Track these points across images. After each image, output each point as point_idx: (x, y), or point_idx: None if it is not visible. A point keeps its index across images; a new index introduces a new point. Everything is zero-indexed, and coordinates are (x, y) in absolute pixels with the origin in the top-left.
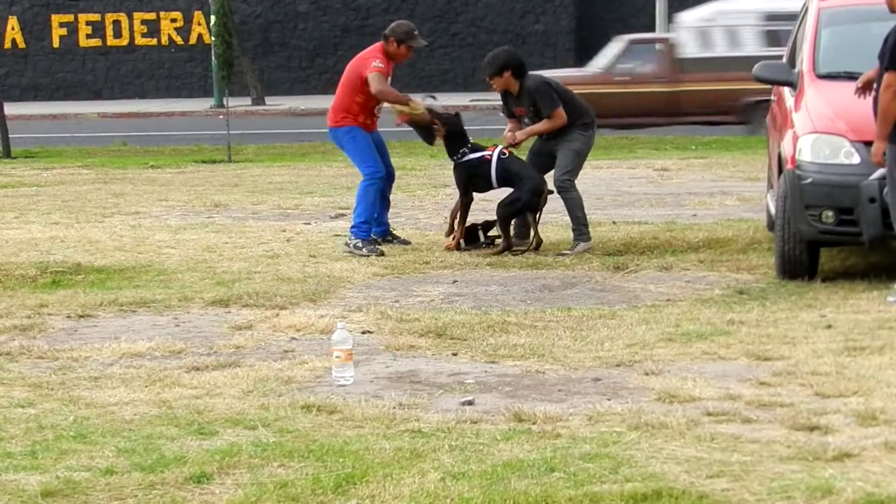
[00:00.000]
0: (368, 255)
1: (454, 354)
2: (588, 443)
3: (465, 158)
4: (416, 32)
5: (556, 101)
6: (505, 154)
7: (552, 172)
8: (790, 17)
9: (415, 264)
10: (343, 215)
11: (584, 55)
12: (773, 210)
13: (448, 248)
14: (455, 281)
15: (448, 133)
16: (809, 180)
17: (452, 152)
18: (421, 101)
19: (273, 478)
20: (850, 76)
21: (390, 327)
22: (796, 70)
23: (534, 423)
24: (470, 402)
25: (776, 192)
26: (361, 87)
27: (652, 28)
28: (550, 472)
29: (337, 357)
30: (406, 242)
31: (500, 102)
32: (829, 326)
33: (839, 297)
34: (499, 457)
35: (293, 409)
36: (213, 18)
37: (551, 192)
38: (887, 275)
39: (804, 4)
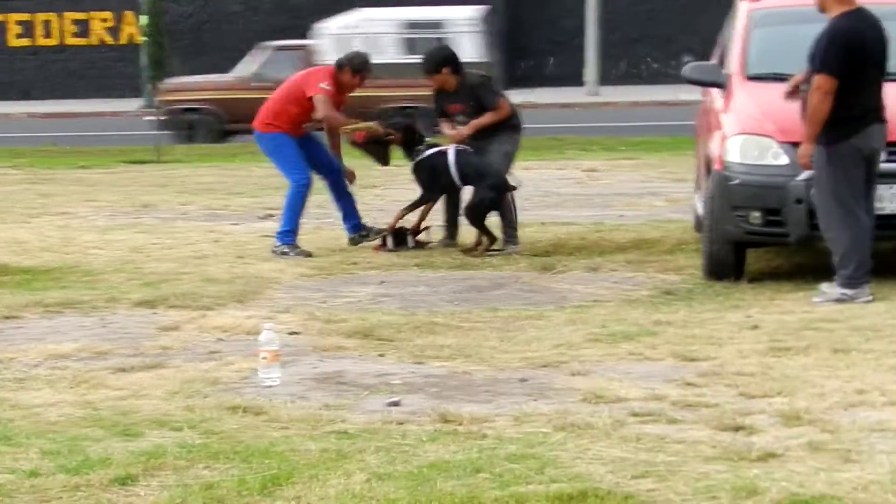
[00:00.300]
0: (295, 257)
1: (381, 355)
2: (514, 443)
3: (422, 156)
4: (370, 63)
5: (499, 93)
6: (462, 148)
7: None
8: (430, 25)
9: (343, 265)
10: (272, 216)
11: (514, 56)
12: (700, 211)
13: (376, 250)
14: (383, 282)
15: (404, 137)
16: (737, 181)
17: (409, 153)
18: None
19: (199, 479)
20: (780, 77)
21: (318, 328)
22: (726, 71)
23: (460, 424)
24: (396, 403)
25: (704, 193)
26: (300, 101)
27: (582, 30)
28: (476, 473)
29: (264, 358)
30: (380, 232)
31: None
32: (755, 327)
33: (765, 298)
34: (425, 458)
35: (219, 410)
36: (143, 18)
37: (514, 189)
38: (813, 275)
39: (733, 5)
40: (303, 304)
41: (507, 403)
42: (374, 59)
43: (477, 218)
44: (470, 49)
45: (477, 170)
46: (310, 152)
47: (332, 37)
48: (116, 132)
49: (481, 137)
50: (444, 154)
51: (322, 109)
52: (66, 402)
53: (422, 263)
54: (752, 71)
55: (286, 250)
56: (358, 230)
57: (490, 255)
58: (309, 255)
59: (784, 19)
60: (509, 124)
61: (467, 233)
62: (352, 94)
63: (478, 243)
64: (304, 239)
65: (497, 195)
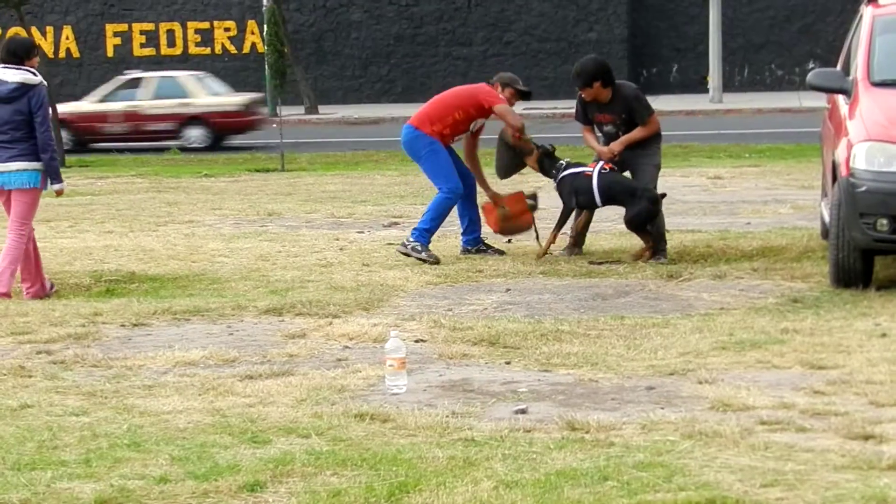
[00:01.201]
0: (426, 260)
1: (507, 363)
2: (641, 451)
3: (564, 172)
4: (519, 80)
5: (651, 108)
6: (605, 170)
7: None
8: None
9: (468, 273)
10: (396, 224)
11: (637, 63)
12: (827, 218)
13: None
14: (508, 289)
15: (539, 159)
16: (864, 188)
17: (549, 171)
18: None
19: (326, 486)
20: None
21: (443, 336)
22: (850, 78)
23: (587, 432)
24: (523, 411)
25: (830, 200)
26: (466, 108)
27: (705, 37)
28: (604, 481)
29: (390, 365)
30: (500, 252)
31: (575, 108)
32: (884, 335)
33: (894, 306)
34: (552, 465)
35: (346, 417)
36: (266, 27)
37: (664, 196)
38: None
39: (859, 12)
40: (428, 311)
41: (635, 411)
42: None
43: (639, 227)
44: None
45: (624, 189)
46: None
47: None
48: (240, 141)
49: (629, 149)
50: (586, 177)
51: (512, 118)
52: (195, 409)
53: (547, 271)
54: (878, 77)
55: (418, 247)
56: (476, 244)
57: (656, 261)
58: (437, 261)
59: None
60: (656, 134)
61: (592, 242)
62: None
63: (645, 250)
64: (430, 246)
65: (654, 206)
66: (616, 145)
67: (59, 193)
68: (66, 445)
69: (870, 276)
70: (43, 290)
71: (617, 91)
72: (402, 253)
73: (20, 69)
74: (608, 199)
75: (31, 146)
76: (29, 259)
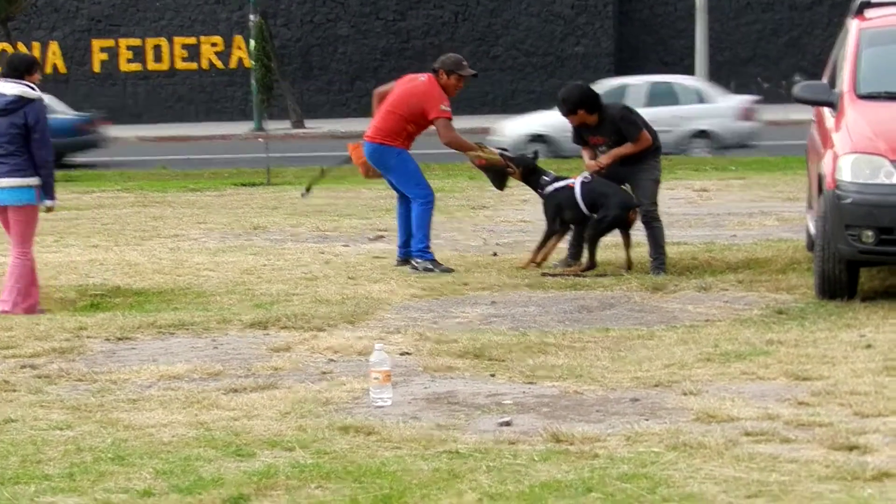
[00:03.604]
0: (445, 273)
1: (492, 375)
2: (626, 463)
3: (551, 188)
4: (465, 63)
5: (640, 125)
6: (588, 179)
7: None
8: None
9: (453, 285)
10: (382, 237)
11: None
12: (812, 230)
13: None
14: (493, 302)
15: (524, 173)
16: (849, 200)
17: (536, 187)
18: (493, 149)
19: (311, 499)
20: (891, 96)
21: (428, 349)
22: (836, 90)
23: (571, 444)
24: (508, 423)
25: (816, 212)
26: (417, 120)
27: (692, 51)
28: (588, 493)
29: (375, 378)
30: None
31: (572, 132)
32: (869, 346)
33: (879, 317)
34: (536, 477)
35: (331, 430)
36: (252, 43)
37: (639, 205)
38: None
39: (845, 25)
40: (413, 324)
41: (619, 423)
42: None
43: (594, 236)
44: None
45: (602, 193)
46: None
47: None
48: (226, 155)
49: (626, 165)
50: (570, 189)
51: (445, 134)
52: (179, 423)
53: (532, 284)
54: (864, 90)
55: (430, 267)
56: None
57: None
58: (451, 270)
59: (895, 38)
60: (654, 149)
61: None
62: None
63: (578, 268)
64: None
65: (621, 212)
66: (603, 158)
67: (49, 210)
68: (49, 459)
69: (855, 288)
70: (31, 307)
71: (605, 113)
72: (417, 273)
73: (19, 83)
74: (592, 207)
75: (25, 161)
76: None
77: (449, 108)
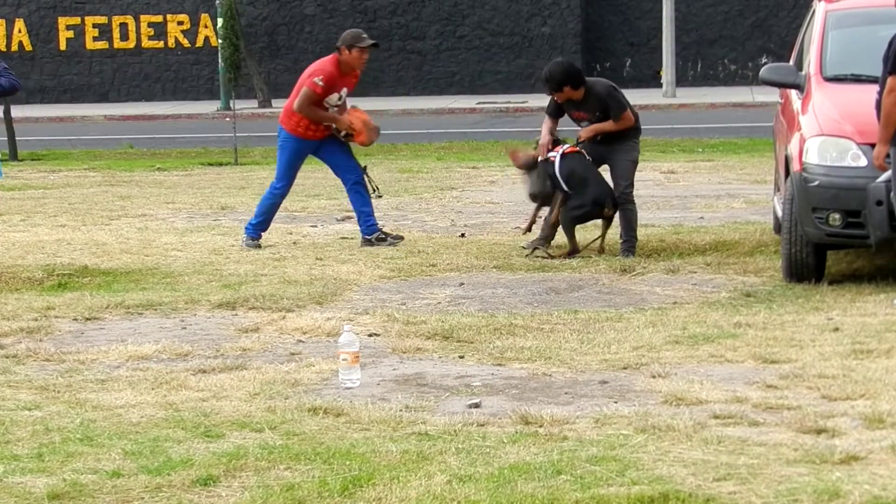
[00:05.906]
0: (394, 243)
1: (461, 357)
2: (595, 445)
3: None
4: (364, 35)
5: (625, 105)
6: (568, 153)
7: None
8: None
9: (421, 267)
10: (350, 218)
11: (590, 57)
12: (779, 213)
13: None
14: (462, 283)
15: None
16: (816, 183)
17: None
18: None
19: (279, 480)
20: (857, 79)
21: (397, 330)
22: (803, 73)
23: (540, 426)
24: (476, 405)
25: (783, 195)
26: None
27: (659, 31)
28: (557, 475)
29: (343, 360)
30: (399, 238)
31: (548, 103)
32: (836, 329)
33: (846, 300)
34: (505, 459)
35: (300, 411)
36: (219, 21)
37: (615, 208)
38: (894, 277)
39: (812, 7)
40: (382, 305)
41: (588, 405)
42: None
43: (569, 223)
44: None
45: (580, 179)
46: (327, 154)
47: None
48: (193, 134)
49: (605, 143)
50: (550, 163)
51: (298, 102)
52: (148, 403)
53: (500, 265)
54: (830, 72)
55: (382, 236)
56: (374, 232)
57: (624, 257)
58: (401, 238)
59: (862, 20)
60: (634, 129)
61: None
62: None
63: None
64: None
65: (594, 208)
66: (584, 132)
67: None
68: (18, 440)
69: (822, 271)
70: None
71: (590, 89)
72: (371, 245)
73: None
74: (570, 184)
75: None
76: None
77: (320, 83)
